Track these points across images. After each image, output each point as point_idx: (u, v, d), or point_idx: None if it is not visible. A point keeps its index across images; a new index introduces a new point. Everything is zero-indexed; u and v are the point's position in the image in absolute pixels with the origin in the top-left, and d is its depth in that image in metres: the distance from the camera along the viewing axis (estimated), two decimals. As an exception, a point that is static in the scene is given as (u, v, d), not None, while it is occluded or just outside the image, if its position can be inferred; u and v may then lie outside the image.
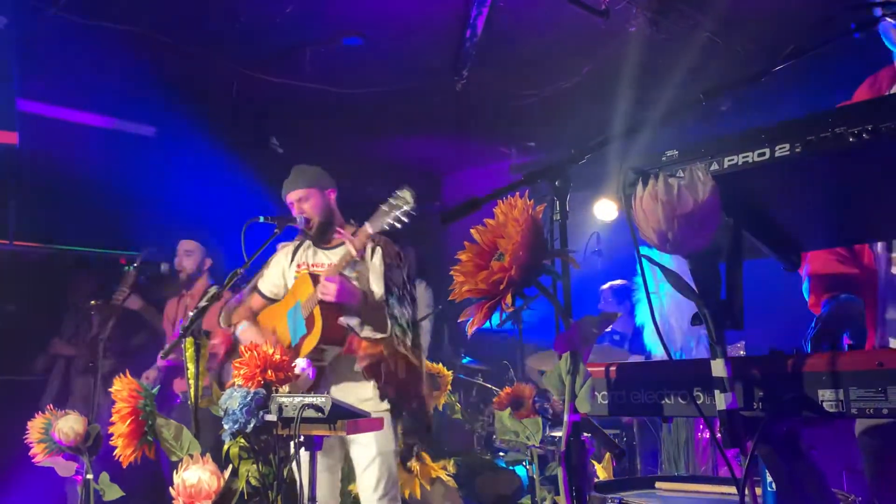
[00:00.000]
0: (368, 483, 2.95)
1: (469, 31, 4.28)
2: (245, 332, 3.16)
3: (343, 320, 2.95)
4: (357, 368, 2.95)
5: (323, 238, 3.21)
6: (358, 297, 2.94)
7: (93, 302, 4.63)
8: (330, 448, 3.05)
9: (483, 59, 4.55)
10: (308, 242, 3.28)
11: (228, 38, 4.26)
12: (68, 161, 4.82)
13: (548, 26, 4.26)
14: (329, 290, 2.86)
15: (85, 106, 4.91)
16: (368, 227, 2.98)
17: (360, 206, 3.46)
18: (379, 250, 3.09)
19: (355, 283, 3.02)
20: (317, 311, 2.95)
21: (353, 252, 2.98)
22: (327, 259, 3.18)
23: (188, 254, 4.38)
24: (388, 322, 2.95)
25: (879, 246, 1.62)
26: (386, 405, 2.97)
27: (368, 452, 2.95)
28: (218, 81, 4.77)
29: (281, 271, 3.28)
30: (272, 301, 3.29)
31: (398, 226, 2.93)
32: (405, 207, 2.89)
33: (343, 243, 3.12)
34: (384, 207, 2.94)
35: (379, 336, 2.95)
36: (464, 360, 5.50)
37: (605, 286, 5.47)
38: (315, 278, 3.00)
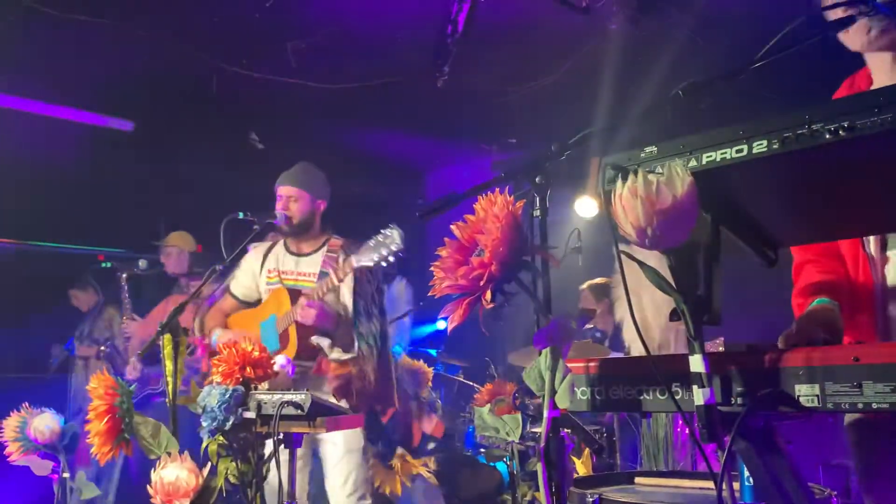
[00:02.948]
0: (337, 479, 2.97)
1: (450, 26, 4.27)
2: (221, 338, 3.14)
3: (315, 339, 3.02)
4: (327, 390, 2.97)
5: (295, 238, 3.20)
6: (334, 321, 3.00)
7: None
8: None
9: (464, 56, 4.54)
10: (280, 247, 3.26)
11: (208, 32, 4.21)
12: (42, 156, 4.74)
13: (529, 23, 4.27)
14: (309, 315, 2.91)
15: (60, 100, 4.83)
16: (353, 261, 2.93)
17: (342, 203, 3.44)
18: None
19: (330, 299, 3.05)
20: (292, 329, 2.97)
21: (335, 281, 2.99)
22: (296, 267, 3.18)
23: (173, 255, 4.34)
24: (355, 340, 2.99)
25: (873, 248, 1.62)
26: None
27: (337, 450, 2.98)
28: (196, 76, 4.71)
29: (252, 274, 3.26)
30: (244, 303, 3.27)
31: (384, 264, 2.85)
32: (393, 248, 2.82)
33: (314, 252, 3.14)
34: (371, 243, 2.87)
35: (346, 357, 3.01)
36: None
37: (585, 285, 5.49)
38: (294, 295, 3.00)
